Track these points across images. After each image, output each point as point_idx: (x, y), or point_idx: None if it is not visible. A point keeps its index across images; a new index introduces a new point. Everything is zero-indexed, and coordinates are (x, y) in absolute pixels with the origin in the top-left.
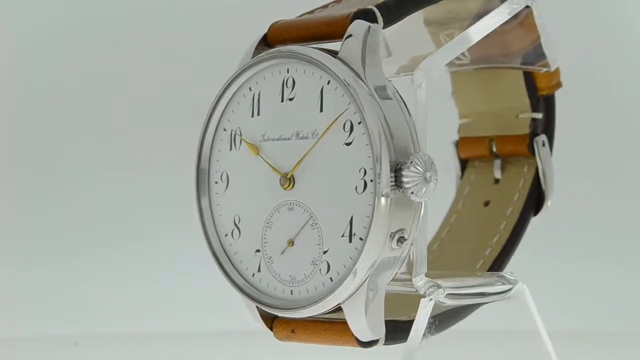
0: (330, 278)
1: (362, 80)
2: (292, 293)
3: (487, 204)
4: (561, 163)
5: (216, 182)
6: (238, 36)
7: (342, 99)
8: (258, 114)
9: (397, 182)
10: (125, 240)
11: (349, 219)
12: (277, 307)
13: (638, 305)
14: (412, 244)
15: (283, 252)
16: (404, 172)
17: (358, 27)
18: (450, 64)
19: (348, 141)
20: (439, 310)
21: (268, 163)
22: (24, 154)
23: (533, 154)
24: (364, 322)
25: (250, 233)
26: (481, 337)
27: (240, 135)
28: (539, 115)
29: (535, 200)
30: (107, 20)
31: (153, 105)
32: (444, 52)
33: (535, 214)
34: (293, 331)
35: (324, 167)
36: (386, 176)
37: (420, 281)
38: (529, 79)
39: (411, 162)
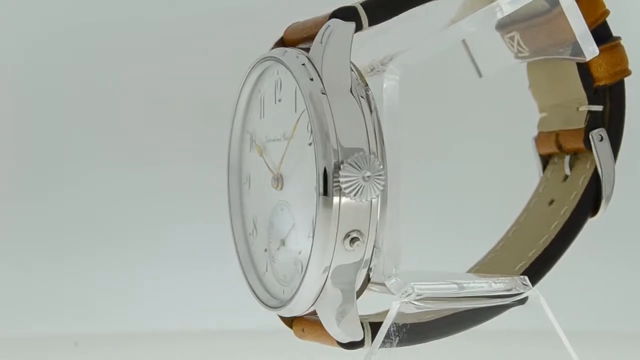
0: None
1: (320, 80)
2: (284, 292)
3: (551, 202)
4: None
5: (244, 183)
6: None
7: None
8: (263, 115)
9: (339, 183)
10: (126, 240)
11: (312, 220)
12: (269, 306)
13: None
14: (375, 246)
15: (278, 251)
16: (340, 172)
17: (329, 25)
18: (517, 57)
19: (310, 141)
20: (437, 315)
21: (266, 164)
22: (24, 154)
23: (590, 149)
24: (334, 323)
25: (262, 233)
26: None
27: (255, 138)
28: (597, 108)
29: (593, 200)
30: (107, 20)
31: (154, 105)
32: (419, 50)
33: (593, 215)
34: (303, 330)
35: (297, 168)
36: (321, 176)
37: (391, 283)
38: (583, 69)
39: (349, 163)
